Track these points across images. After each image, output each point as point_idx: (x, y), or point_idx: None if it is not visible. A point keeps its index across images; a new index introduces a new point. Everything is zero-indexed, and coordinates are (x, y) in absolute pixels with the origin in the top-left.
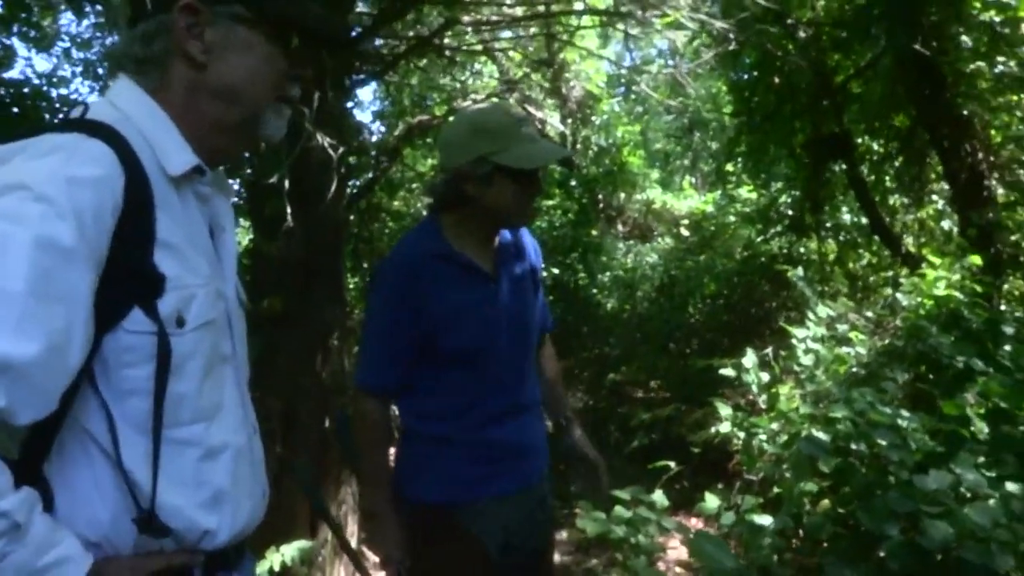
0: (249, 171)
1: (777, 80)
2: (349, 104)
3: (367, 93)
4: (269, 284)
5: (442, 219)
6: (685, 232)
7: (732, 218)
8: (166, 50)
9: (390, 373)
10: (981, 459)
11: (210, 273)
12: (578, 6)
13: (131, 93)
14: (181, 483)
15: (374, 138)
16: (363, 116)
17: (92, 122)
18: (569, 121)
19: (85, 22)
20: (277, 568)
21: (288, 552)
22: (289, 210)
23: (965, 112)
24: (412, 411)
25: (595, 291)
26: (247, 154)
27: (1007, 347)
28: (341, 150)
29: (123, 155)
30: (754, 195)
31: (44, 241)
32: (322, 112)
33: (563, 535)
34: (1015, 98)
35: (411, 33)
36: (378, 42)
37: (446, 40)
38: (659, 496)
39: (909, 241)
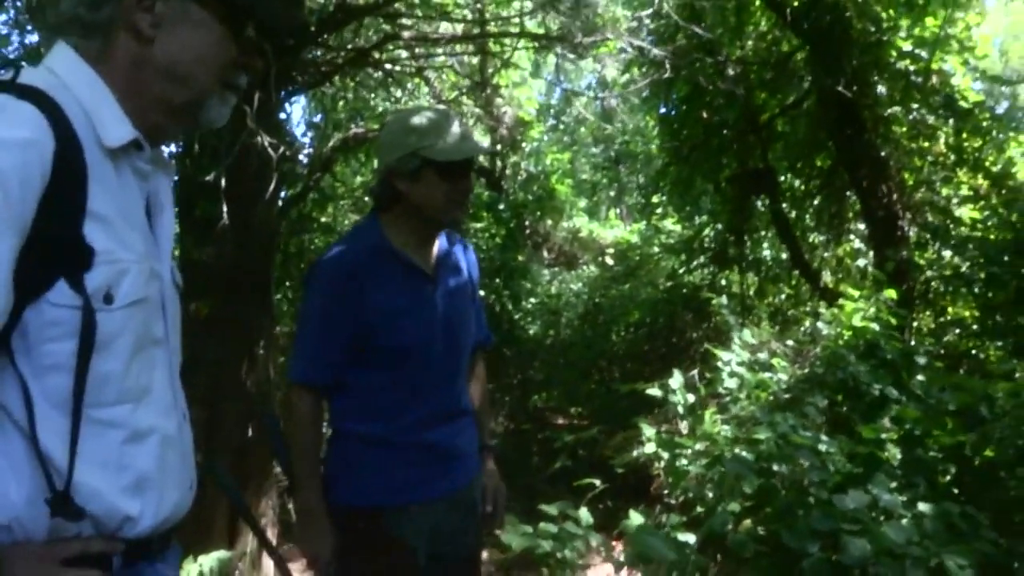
0: (177, 172)
1: (705, 114)
2: (281, 116)
3: (296, 110)
4: (196, 288)
5: (382, 219)
6: (610, 261)
7: (657, 249)
8: (112, 18)
9: (325, 368)
10: (894, 484)
11: (144, 251)
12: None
13: (69, 60)
14: (102, 465)
15: (305, 151)
16: (294, 130)
17: (23, 85)
18: (499, 146)
19: (3, 16)
20: None
21: (206, 562)
22: (226, 209)
23: (884, 153)
24: (345, 412)
25: (519, 316)
26: (180, 150)
27: (920, 377)
28: (281, 149)
29: (55, 121)
30: (678, 227)
31: None
32: (263, 112)
33: (484, 555)
34: (926, 144)
35: (349, 46)
36: (315, 53)
37: (384, 55)
38: (584, 513)
39: (827, 277)
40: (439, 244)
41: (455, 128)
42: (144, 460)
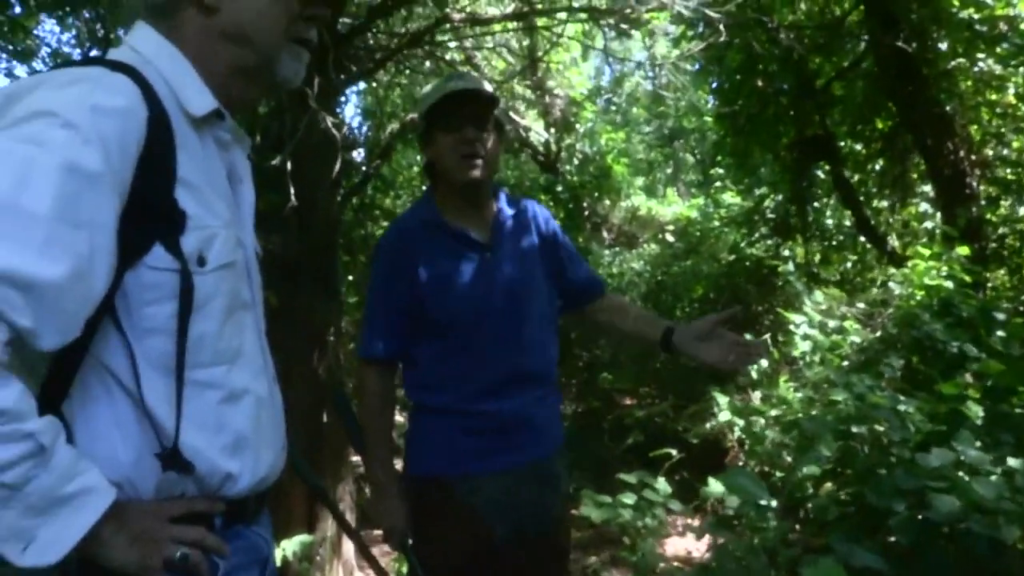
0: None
1: (760, 83)
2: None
3: (349, 108)
4: (263, 279)
5: (436, 193)
6: (671, 238)
7: (717, 223)
8: None
9: (388, 342)
10: (978, 444)
11: (229, 217)
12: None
13: (150, 38)
14: (202, 426)
15: (362, 140)
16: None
17: (113, 60)
18: (552, 130)
19: (66, 35)
20: (277, 563)
21: (289, 547)
22: (293, 191)
23: (948, 108)
24: (413, 384)
25: None
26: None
27: (999, 333)
28: (344, 129)
29: (145, 92)
30: (738, 200)
31: (70, 165)
32: (322, 97)
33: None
34: (994, 96)
35: (401, 29)
36: (368, 43)
37: (434, 40)
38: (662, 483)
39: (894, 242)
40: (499, 211)
41: (452, 82)
42: (240, 420)
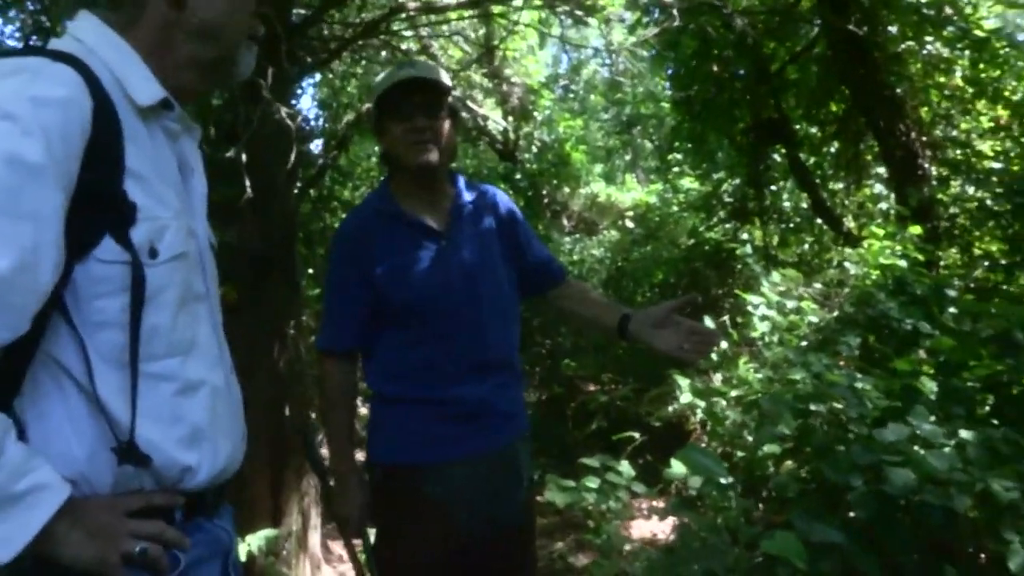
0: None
1: (715, 68)
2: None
3: (305, 100)
4: (220, 272)
5: (391, 184)
6: (630, 224)
7: (676, 208)
8: None
9: (345, 333)
10: (932, 418)
11: (180, 208)
12: None
13: (94, 27)
14: (157, 418)
15: (318, 132)
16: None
17: (55, 50)
18: (510, 118)
19: (9, 27)
20: (243, 558)
21: (254, 541)
22: (248, 182)
23: (899, 91)
24: (373, 373)
25: None
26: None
27: (951, 309)
28: (299, 118)
29: (89, 82)
30: (696, 185)
31: (10, 157)
32: (277, 87)
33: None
34: (942, 79)
35: (356, 19)
36: (323, 34)
37: (389, 29)
38: (625, 465)
39: (849, 223)
40: (457, 196)
41: (403, 71)
42: (196, 412)
